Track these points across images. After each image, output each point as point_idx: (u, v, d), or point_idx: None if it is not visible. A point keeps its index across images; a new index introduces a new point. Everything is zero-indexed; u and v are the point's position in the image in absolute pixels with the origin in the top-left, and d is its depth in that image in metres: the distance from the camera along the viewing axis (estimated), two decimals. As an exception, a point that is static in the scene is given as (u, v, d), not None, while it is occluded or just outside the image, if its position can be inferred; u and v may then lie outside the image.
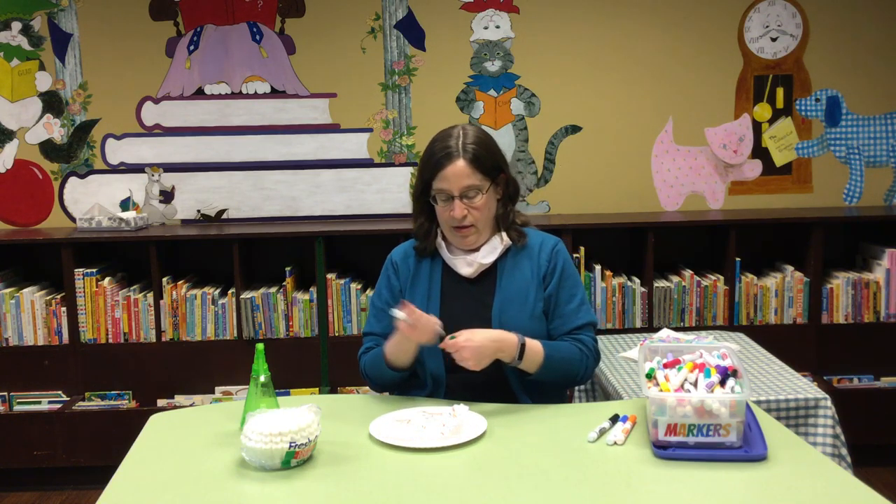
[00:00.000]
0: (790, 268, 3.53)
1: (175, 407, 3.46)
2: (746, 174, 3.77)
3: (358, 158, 3.76)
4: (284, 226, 3.67)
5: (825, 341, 3.51)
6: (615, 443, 1.71)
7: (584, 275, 3.50)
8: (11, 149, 3.73)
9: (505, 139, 3.73)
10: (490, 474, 1.59)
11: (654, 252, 3.47)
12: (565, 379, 2.04)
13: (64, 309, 3.47)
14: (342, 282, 3.50)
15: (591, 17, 3.69)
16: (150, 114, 3.74)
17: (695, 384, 1.69)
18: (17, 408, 3.51)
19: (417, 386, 2.10)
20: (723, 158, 3.75)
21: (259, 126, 3.74)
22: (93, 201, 3.75)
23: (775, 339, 3.10)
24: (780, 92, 3.73)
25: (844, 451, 2.34)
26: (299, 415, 1.65)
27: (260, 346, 1.79)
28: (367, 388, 2.57)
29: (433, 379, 2.05)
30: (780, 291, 3.50)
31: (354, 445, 1.73)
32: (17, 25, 3.66)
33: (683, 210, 3.79)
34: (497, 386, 2.01)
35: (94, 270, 3.48)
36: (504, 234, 2.08)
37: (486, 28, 3.69)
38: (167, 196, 3.77)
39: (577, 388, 2.85)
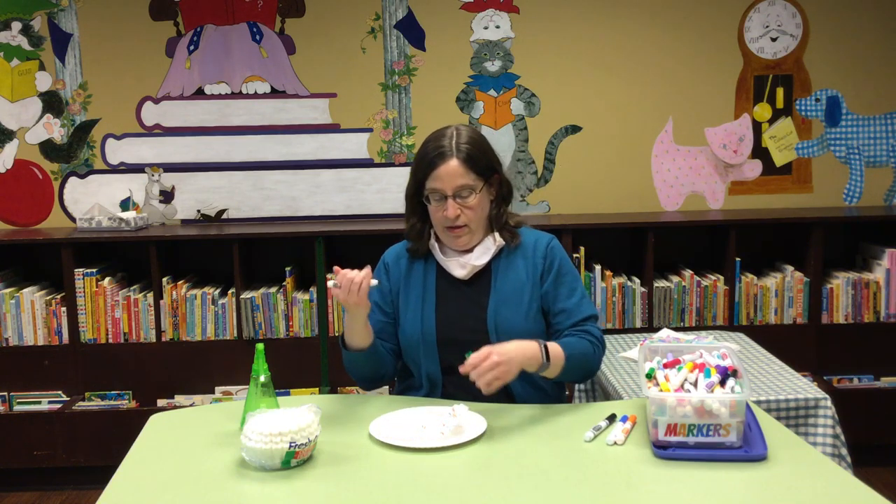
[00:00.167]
0: (790, 268, 3.53)
1: (175, 407, 3.46)
2: (746, 174, 3.77)
3: (358, 158, 3.76)
4: (284, 226, 3.67)
5: (825, 341, 3.51)
6: (615, 443, 1.70)
7: (584, 275, 3.50)
8: (11, 149, 3.73)
9: (505, 139, 3.73)
10: (490, 474, 1.59)
11: (654, 252, 3.47)
12: (583, 374, 2.04)
13: (64, 309, 3.47)
14: (342, 282, 3.50)
15: (591, 17, 3.69)
16: (150, 114, 3.74)
17: (695, 384, 1.69)
18: (17, 408, 3.51)
19: (414, 387, 2.10)
20: (723, 158, 3.75)
21: (259, 126, 3.74)
22: (93, 201, 3.75)
23: (775, 339, 3.10)
24: (780, 92, 3.73)
25: (844, 451, 2.34)
26: (299, 415, 1.65)
27: (260, 346, 1.79)
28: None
29: (429, 380, 2.04)
30: (780, 291, 3.50)
31: (354, 445, 1.73)
32: (17, 25, 3.66)
33: (683, 210, 3.79)
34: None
35: (94, 270, 3.48)
36: (497, 235, 2.07)
37: (486, 28, 3.69)
38: (167, 196, 3.77)
39: (577, 388, 2.85)
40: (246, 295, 3.48)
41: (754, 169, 3.77)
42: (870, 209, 3.69)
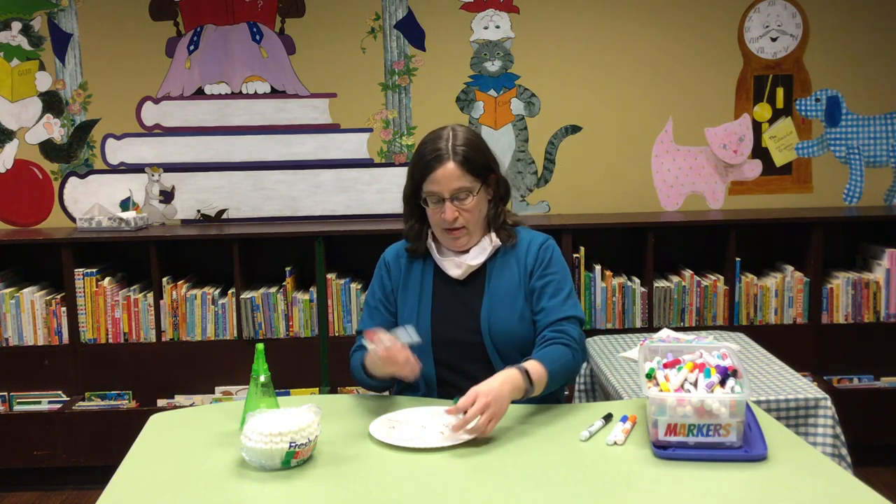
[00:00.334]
0: (790, 268, 3.53)
1: (175, 407, 3.46)
2: (746, 174, 3.77)
3: (358, 158, 3.76)
4: (284, 226, 3.67)
5: (825, 341, 3.51)
6: (615, 443, 1.71)
7: (584, 275, 3.50)
8: (11, 149, 3.73)
9: (505, 139, 3.73)
10: (490, 474, 1.59)
11: (654, 252, 3.47)
12: (565, 382, 2.03)
13: (64, 309, 3.47)
14: (342, 282, 3.50)
15: (591, 17, 3.69)
16: (150, 114, 3.74)
17: (695, 384, 1.69)
18: (17, 408, 3.51)
19: (412, 387, 2.10)
20: (723, 158, 3.75)
21: (259, 126, 3.74)
22: (93, 201, 3.75)
23: (775, 339, 3.10)
24: (780, 92, 3.73)
25: (844, 451, 2.34)
26: (299, 415, 1.65)
27: (260, 346, 1.79)
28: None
29: (426, 381, 2.04)
30: (780, 291, 3.50)
31: (354, 445, 1.73)
32: (17, 25, 3.66)
33: (683, 210, 3.79)
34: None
35: (94, 270, 3.48)
36: (493, 235, 2.07)
37: (486, 28, 3.69)
38: (167, 196, 3.77)
39: (577, 388, 2.85)
40: (246, 295, 3.48)
41: (754, 169, 3.77)
42: (870, 209, 3.69)
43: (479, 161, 2.00)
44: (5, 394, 3.52)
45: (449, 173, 1.96)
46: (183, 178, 3.77)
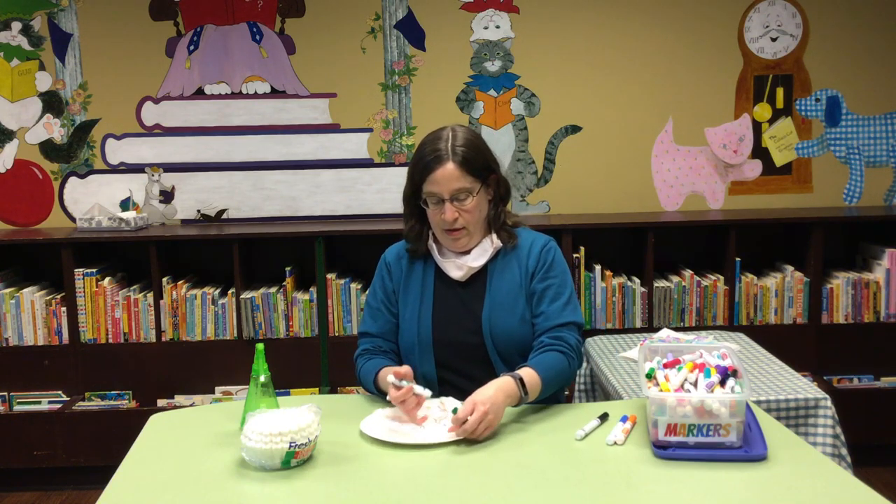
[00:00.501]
0: (790, 268, 3.53)
1: (175, 407, 3.46)
2: (746, 174, 3.77)
3: (358, 158, 3.76)
4: (284, 226, 3.67)
5: (825, 341, 3.51)
6: (615, 443, 1.71)
7: (584, 275, 3.50)
8: (11, 149, 3.73)
9: (505, 139, 3.73)
10: (490, 474, 1.59)
11: (654, 252, 3.47)
12: (559, 389, 2.03)
13: (64, 309, 3.47)
14: (342, 282, 3.51)
15: (591, 17, 3.69)
16: (150, 114, 3.74)
17: (695, 384, 1.69)
18: (17, 408, 3.51)
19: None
20: (723, 158, 3.75)
21: (259, 126, 3.74)
22: (93, 201, 3.75)
23: (775, 339, 3.10)
24: (780, 92, 3.73)
25: (844, 451, 2.34)
26: (299, 415, 1.65)
27: (260, 346, 1.79)
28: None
29: (426, 381, 2.04)
30: (780, 291, 3.50)
31: (354, 445, 1.74)
32: (17, 25, 3.66)
33: (683, 210, 3.79)
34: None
35: (94, 270, 3.48)
36: (494, 237, 2.07)
37: (486, 28, 3.69)
38: (167, 196, 3.77)
39: (576, 388, 2.85)
40: (246, 295, 3.48)
41: (754, 169, 3.77)
42: (870, 209, 3.69)
43: (478, 161, 2.00)
44: (5, 394, 3.52)
45: (448, 174, 1.96)
46: (183, 178, 3.77)
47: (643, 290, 3.49)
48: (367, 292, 3.45)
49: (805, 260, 3.53)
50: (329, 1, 3.68)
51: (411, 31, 3.70)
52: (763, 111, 3.74)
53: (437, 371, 2.04)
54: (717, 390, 1.66)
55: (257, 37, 3.70)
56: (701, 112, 3.73)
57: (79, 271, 3.45)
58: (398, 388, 1.82)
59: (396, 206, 3.73)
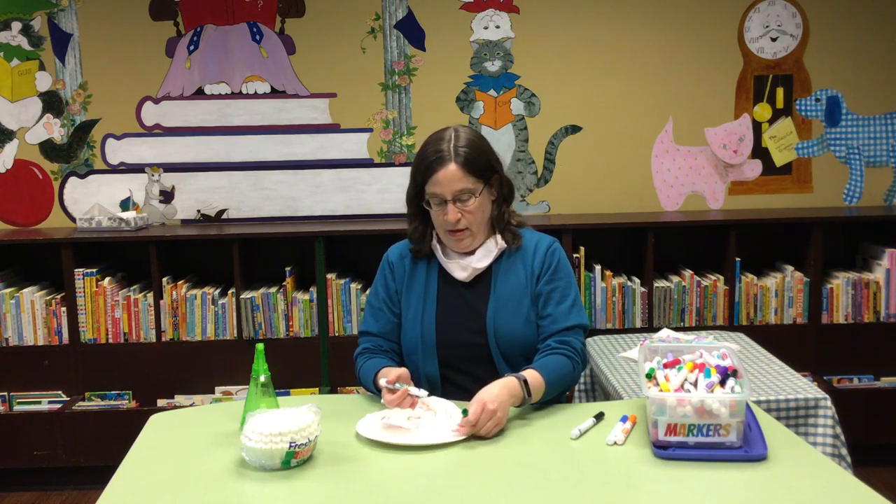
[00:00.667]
0: (790, 268, 3.53)
1: (175, 407, 3.46)
2: (746, 174, 3.77)
3: (358, 158, 3.76)
4: (284, 226, 3.67)
5: (825, 341, 3.51)
6: (615, 443, 1.71)
7: (584, 275, 3.50)
8: (11, 149, 3.73)
9: (505, 139, 3.73)
10: (490, 474, 1.59)
11: (654, 252, 3.47)
12: (562, 392, 2.04)
13: (64, 309, 3.47)
14: (342, 282, 3.51)
15: (591, 17, 3.69)
16: (150, 114, 3.74)
17: (695, 384, 1.69)
18: (17, 408, 3.51)
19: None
20: (723, 158, 3.75)
21: (259, 126, 3.74)
22: (93, 201, 3.75)
23: (775, 339, 3.10)
24: (780, 92, 3.73)
25: (844, 451, 2.34)
26: (299, 415, 1.65)
27: (260, 346, 1.79)
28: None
29: (428, 382, 2.04)
30: (780, 291, 3.50)
31: (354, 445, 1.74)
32: (17, 25, 3.66)
33: (683, 210, 3.79)
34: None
35: (94, 270, 3.48)
36: (499, 237, 2.06)
37: (486, 28, 3.69)
38: (167, 196, 3.77)
39: (577, 387, 2.85)
40: (246, 295, 3.48)
41: (754, 169, 3.77)
42: (870, 209, 3.69)
43: (481, 162, 2.00)
44: (5, 394, 3.52)
45: (451, 175, 1.96)
46: (183, 178, 3.77)
47: (643, 290, 3.49)
48: (367, 291, 3.49)
49: (805, 260, 3.53)
50: (329, 1, 3.68)
51: (411, 31, 3.70)
52: (763, 111, 3.74)
53: (441, 371, 2.03)
54: (717, 390, 1.66)
55: (257, 37, 3.70)
56: (701, 112, 3.73)
57: (79, 271, 3.45)
58: (392, 391, 1.82)
59: (396, 206, 3.77)
